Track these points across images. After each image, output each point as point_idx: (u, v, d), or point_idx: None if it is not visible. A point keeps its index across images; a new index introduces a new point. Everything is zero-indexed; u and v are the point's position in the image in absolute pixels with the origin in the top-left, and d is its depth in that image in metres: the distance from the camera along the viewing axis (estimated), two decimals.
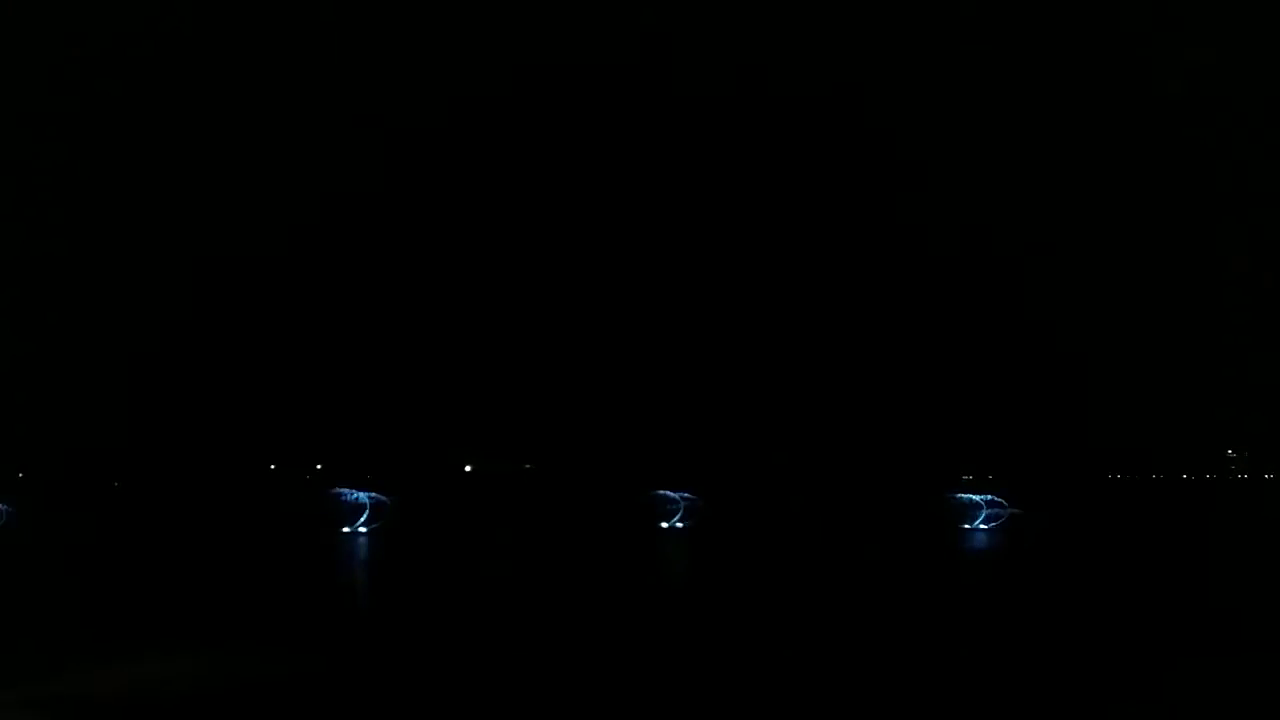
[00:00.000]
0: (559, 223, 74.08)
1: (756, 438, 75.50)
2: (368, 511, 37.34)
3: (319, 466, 78.01)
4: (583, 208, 73.64)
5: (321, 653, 14.57)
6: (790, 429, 75.80)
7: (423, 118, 74.65)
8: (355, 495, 37.79)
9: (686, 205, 74.57)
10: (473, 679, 13.08)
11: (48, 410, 65.68)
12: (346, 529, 36.69)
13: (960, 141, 78.56)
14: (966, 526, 39.28)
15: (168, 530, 39.17)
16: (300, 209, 72.45)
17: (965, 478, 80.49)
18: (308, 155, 72.69)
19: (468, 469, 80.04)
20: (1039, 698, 12.17)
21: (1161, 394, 76.24)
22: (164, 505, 51.46)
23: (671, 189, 74.98)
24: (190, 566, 26.44)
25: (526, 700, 11.98)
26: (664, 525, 40.42)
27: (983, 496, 41.00)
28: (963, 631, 16.71)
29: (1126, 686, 12.74)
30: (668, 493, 41.94)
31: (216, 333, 69.61)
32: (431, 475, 72.24)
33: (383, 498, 37.84)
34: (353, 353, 71.75)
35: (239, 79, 71.13)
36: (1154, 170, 74.68)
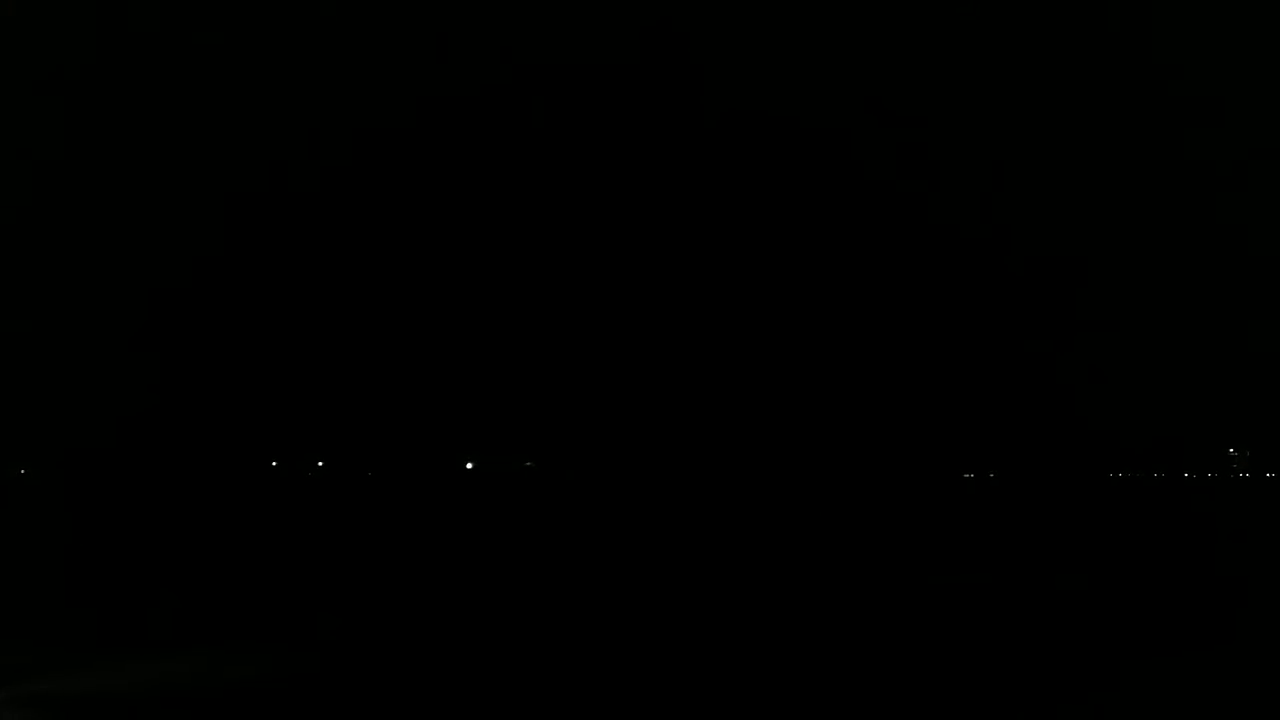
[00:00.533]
0: (561, 216, 74.01)
1: (754, 434, 75.51)
2: None
3: (320, 464, 77.97)
4: (586, 201, 73.57)
5: (320, 652, 14.55)
6: (788, 425, 75.80)
7: (421, 112, 74.58)
8: None
9: (688, 198, 74.49)
10: (472, 677, 13.06)
11: (44, 407, 65.68)
12: None
13: (954, 139, 78.48)
14: None
15: (166, 527, 39.14)
16: (297, 204, 72.44)
17: (966, 476, 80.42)
18: (299, 152, 72.61)
19: (469, 466, 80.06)
20: (1031, 692, 12.15)
21: (1162, 392, 76.21)
22: (162, 501, 51.42)
23: (673, 183, 74.89)
24: (187, 564, 26.43)
25: (526, 698, 11.95)
26: None
27: None
28: (955, 626, 16.70)
29: (1121, 679, 12.72)
30: None
31: (214, 330, 69.59)
32: (432, 472, 72.22)
33: None
34: (352, 350, 71.76)
35: (239, 78, 71.13)
36: (1155, 168, 74.60)
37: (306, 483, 71.98)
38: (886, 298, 74.69)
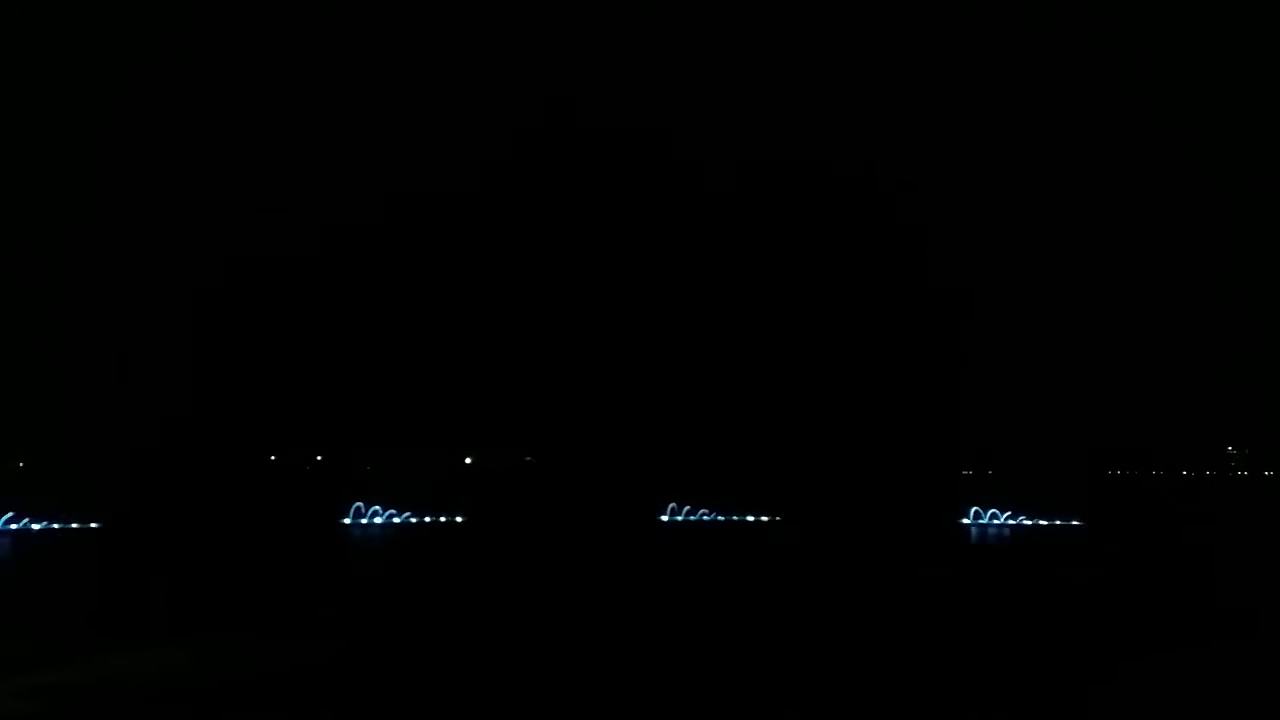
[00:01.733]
0: (561, 215, 74.01)
1: (754, 433, 75.45)
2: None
3: (319, 458, 77.95)
4: (585, 205, 73.58)
5: (319, 644, 14.55)
6: (787, 423, 75.73)
7: (428, 120, 75.17)
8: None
9: (684, 200, 74.52)
10: (472, 673, 13.06)
11: (42, 403, 65.66)
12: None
13: (954, 140, 78.51)
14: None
15: (170, 522, 39.13)
16: (296, 205, 72.65)
17: (965, 472, 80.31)
18: (310, 155, 72.92)
19: (468, 461, 79.99)
20: (1038, 685, 12.18)
21: (1162, 391, 76.22)
22: (161, 495, 51.43)
23: (670, 185, 74.88)
24: (190, 558, 26.45)
25: (527, 695, 11.95)
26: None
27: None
28: (968, 624, 16.73)
29: (1124, 673, 12.72)
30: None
31: (214, 328, 69.53)
32: (432, 468, 72.19)
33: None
34: (352, 347, 71.73)
35: (261, 86, 71.71)
36: (1154, 169, 74.61)
37: (305, 476, 71.95)
38: (882, 298, 74.69)
